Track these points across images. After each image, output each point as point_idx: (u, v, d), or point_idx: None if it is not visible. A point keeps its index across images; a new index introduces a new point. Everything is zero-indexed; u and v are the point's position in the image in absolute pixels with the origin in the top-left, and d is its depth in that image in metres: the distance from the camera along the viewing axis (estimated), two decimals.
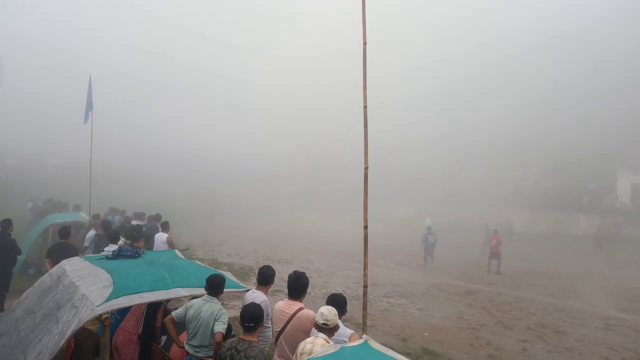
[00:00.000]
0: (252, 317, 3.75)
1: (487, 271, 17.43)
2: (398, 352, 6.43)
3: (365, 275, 4.58)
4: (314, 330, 4.10)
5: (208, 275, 4.72)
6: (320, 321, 3.76)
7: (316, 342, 3.67)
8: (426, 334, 8.93)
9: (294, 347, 4.23)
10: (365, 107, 4.65)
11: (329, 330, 3.74)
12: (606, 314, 11.89)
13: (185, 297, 4.90)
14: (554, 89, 40.26)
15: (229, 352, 3.67)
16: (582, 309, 12.23)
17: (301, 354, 3.66)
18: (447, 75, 49.07)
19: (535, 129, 38.09)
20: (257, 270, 5.47)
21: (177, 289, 4.77)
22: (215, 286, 4.57)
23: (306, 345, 3.71)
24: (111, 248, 6.71)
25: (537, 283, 15.86)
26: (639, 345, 9.09)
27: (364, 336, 3.48)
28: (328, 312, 3.76)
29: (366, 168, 4.62)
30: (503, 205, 31.84)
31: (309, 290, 10.28)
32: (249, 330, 3.72)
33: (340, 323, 3.99)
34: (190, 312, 4.50)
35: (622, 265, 19.85)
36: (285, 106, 57.37)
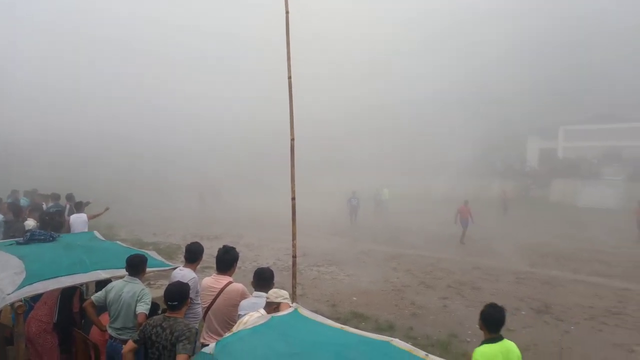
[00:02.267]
0: (175, 295, 3.67)
1: (461, 242, 17.13)
2: (328, 317, 6.63)
3: (294, 246, 4.67)
4: (245, 304, 4.12)
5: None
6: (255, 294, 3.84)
7: (254, 315, 3.70)
8: (355, 299, 9.28)
9: (224, 321, 4.24)
10: (289, 77, 4.63)
11: (269, 306, 3.77)
12: (517, 269, 12.97)
13: (106, 279, 4.73)
14: (475, 62, 42.19)
15: (153, 329, 3.59)
16: (497, 266, 13.25)
17: (239, 324, 3.68)
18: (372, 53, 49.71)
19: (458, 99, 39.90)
20: (184, 248, 5.36)
21: (97, 271, 4.60)
22: (135, 266, 4.43)
23: (245, 317, 3.73)
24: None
25: (457, 244, 16.93)
26: (545, 295, 10.04)
27: (294, 305, 3.56)
28: (272, 291, 3.84)
29: (292, 140, 4.65)
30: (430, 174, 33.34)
31: (239, 264, 10.22)
32: (173, 308, 3.65)
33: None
34: (111, 295, 4.33)
35: (531, 224, 21.63)
36: (210, 74, 55.46)
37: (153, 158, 44.89)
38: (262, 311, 3.73)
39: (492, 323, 3.66)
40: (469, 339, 7.23)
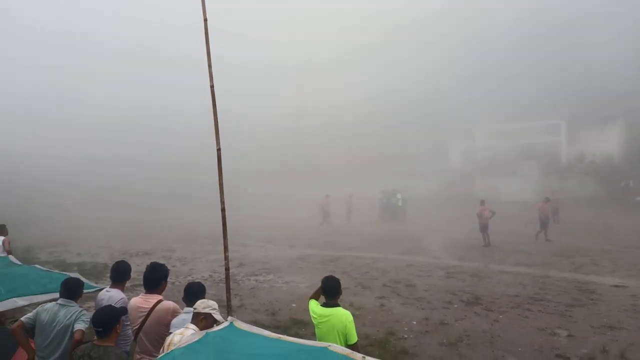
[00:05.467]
0: (101, 320, 3.43)
1: (484, 246, 16.41)
2: (267, 326, 6.53)
3: (226, 258, 4.53)
4: (176, 322, 3.95)
5: (54, 280, 4.34)
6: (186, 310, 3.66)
7: (185, 333, 3.54)
8: (294, 305, 9.22)
9: (156, 342, 4.04)
10: (212, 86, 4.52)
11: (195, 316, 3.62)
12: (447, 263, 13.54)
13: (24, 306, 4.39)
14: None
15: (80, 359, 3.34)
16: (428, 262, 13.75)
17: (169, 345, 3.50)
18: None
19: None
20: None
21: (14, 299, 4.34)
22: (72, 289, 4.21)
23: (175, 336, 3.56)
24: None
25: (392, 244, 17.39)
26: (474, 287, 10.53)
27: (229, 318, 3.46)
28: (199, 302, 3.67)
29: (218, 150, 4.54)
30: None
31: (172, 280, 9.81)
32: (101, 335, 3.41)
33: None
34: (43, 317, 4.01)
35: (459, 221, 22.66)
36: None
37: (76, 173, 42.47)
38: (192, 326, 3.57)
39: (328, 291, 4.31)
40: (406, 336, 7.41)
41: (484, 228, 16.74)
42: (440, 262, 13.89)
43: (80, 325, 3.96)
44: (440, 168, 36.69)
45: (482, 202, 17.45)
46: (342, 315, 4.17)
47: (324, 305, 4.34)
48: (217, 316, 3.67)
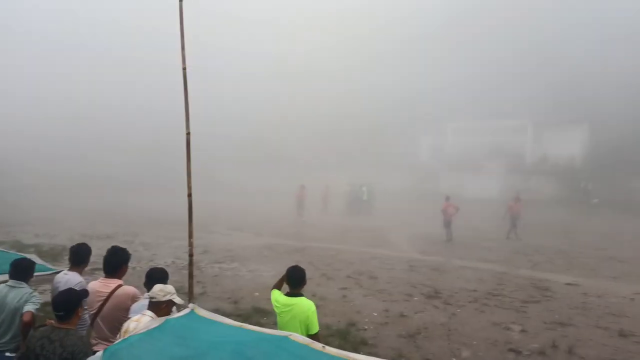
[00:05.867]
0: (62, 304, 3.34)
1: (445, 240, 16.79)
2: (229, 314, 6.50)
3: (190, 244, 4.49)
4: (136, 307, 3.90)
5: (7, 260, 4.17)
6: (146, 295, 3.60)
7: (141, 319, 3.50)
8: (257, 294, 9.24)
9: (114, 327, 3.98)
10: (184, 68, 4.45)
11: (155, 306, 3.56)
12: (410, 257, 13.81)
13: None
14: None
15: (39, 342, 3.23)
16: (392, 255, 13.98)
17: (125, 332, 3.46)
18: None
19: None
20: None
21: None
22: (22, 270, 4.11)
23: (130, 323, 3.51)
24: None
25: (358, 236, 17.58)
26: (435, 281, 10.79)
27: (190, 305, 3.44)
28: (156, 287, 3.60)
29: (188, 134, 4.48)
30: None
31: (134, 265, 9.63)
32: (62, 319, 3.33)
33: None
34: None
35: (425, 215, 23.03)
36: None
37: (36, 152, 40.97)
38: (150, 313, 3.53)
39: (293, 280, 4.35)
40: (366, 327, 7.54)
41: (447, 223, 17.13)
42: (403, 255, 14.15)
43: (29, 307, 3.86)
44: (411, 163, 37.23)
45: (447, 198, 17.82)
46: (305, 305, 4.22)
47: (288, 294, 4.37)
48: (177, 299, 3.64)
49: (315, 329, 4.20)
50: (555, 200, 28.51)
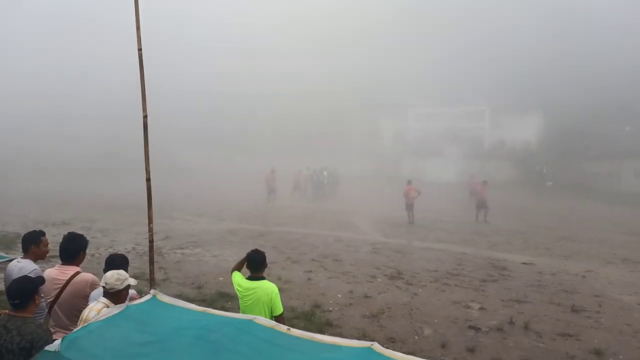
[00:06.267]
0: (18, 292, 3.18)
1: (408, 223, 17.08)
2: (192, 300, 6.45)
3: (150, 230, 4.40)
4: (94, 294, 3.79)
5: None
6: (102, 284, 3.47)
7: (94, 307, 3.40)
8: (221, 279, 9.16)
9: (73, 315, 3.85)
10: (139, 49, 4.30)
11: (112, 295, 3.45)
12: (374, 240, 14.01)
13: None
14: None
15: None
16: (356, 238, 14.14)
17: (84, 320, 3.35)
18: None
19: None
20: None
21: None
22: None
23: (91, 312, 3.40)
24: None
25: (322, 220, 17.67)
26: (397, 262, 10.99)
27: (152, 291, 3.37)
28: (110, 276, 3.46)
29: (145, 117, 4.36)
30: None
31: (92, 252, 9.42)
32: (17, 307, 3.18)
33: None
34: None
35: (389, 198, 23.40)
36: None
37: None
38: (104, 300, 3.43)
39: (254, 264, 4.45)
40: (331, 308, 7.62)
41: (409, 207, 17.44)
42: (366, 238, 14.34)
43: None
44: (373, 148, 37.62)
45: (409, 182, 18.12)
46: (267, 287, 4.32)
47: (250, 278, 4.44)
48: (132, 281, 3.56)
49: (279, 310, 4.32)
50: (511, 184, 29.51)
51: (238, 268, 4.71)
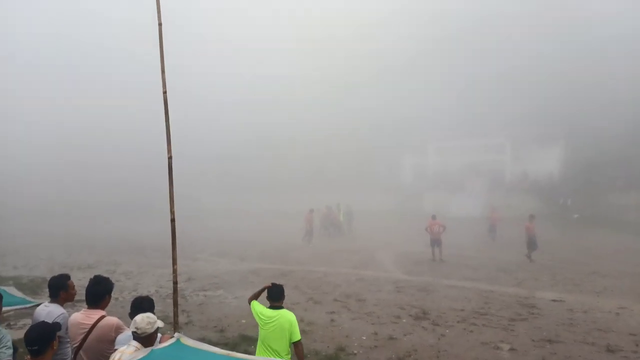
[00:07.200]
0: (36, 339, 3.20)
1: (432, 260, 16.82)
2: (215, 343, 6.39)
3: (174, 271, 4.42)
4: (120, 338, 3.79)
5: None
6: (132, 329, 3.47)
7: (126, 351, 3.39)
8: (243, 321, 9.08)
9: None
10: (164, 92, 4.45)
11: (144, 339, 3.44)
12: (396, 278, 13.76)
13: None
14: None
15: None
16: (379, 276, 13.92)
17: None
18: None
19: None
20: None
21: None
22: None
23: (115, 355, 3.41)
24: None
25: (343, 257, 17.50)
26: (422, 301, 10.75)
27: (176, 334, 3.37)
28: (141, 320, 3.46)
29: (170, 157, 4.46)
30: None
31: (116, 295, 9.45)
32: (35, 354, 3.21)
33: None
34: None
35: (411, 235, 23.09)
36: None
37: (16, 180, 40.13)
38: (135, 343, 3.42)
39: (273, 295, 4.97)
40: (355, 351, 7.44)
41: (434, 242, 17.08)
42: (389, 275, 14.10)
43: (3, 355, 3.69)
44: (393, 184, 37.50)
45: (434, 217, 17.86)
46: (287, 315, 4.84)
47: (271, 307, 4.93)
48: (160, 323, 3.54)
49: (298, 336, 4.81)
50: (536, 217, 28.84)
51: (255, 297, 5.11)
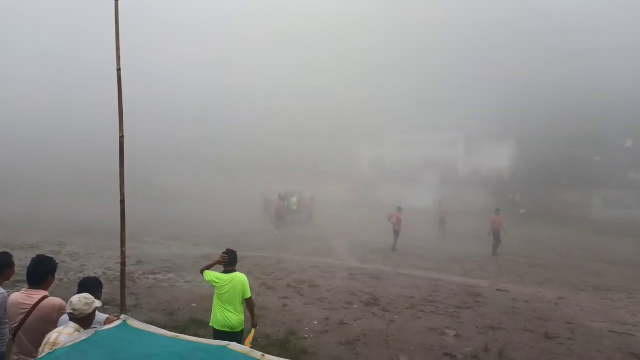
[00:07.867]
0: None
1: (393, 250, 17.00)
2: (164, 326, 6.26)
3: (122, 253, 4.29)
4: (63, 319, 3.66)
5: None
6: (68, 310, 3.34)
7: (64, 331, 3.26)
8: (194, 305, 8.98)
9: (38, 341, 3.69)
10: (118, 69, 4.29)
11: (81, 320, 3.32)
12: (350, 265, 13.97)
13: None
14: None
15: None
16: (333, 264, 14.08)
17: (45, 344, 3.22)
18: None
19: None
20: None
21: None
22: None
23: (52, 335, 3.27)
24: None
25: (298, 245, 17.56)
26: (373, 288, 10.96)
27: (122, 316, 3.28)
28: (77, 301, 3.32)
29: (122, 137, 4.31)
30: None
31: (61, 276, 9.13)
32: None
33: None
34: None
35: (368, 224, 23.44)
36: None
37: None
38: (73, 324, 3.30)
39: (230, 260, 5.64)
40: (306, 335, 7.51)
41: (396, 232, 17.34)
42: (343, 263, 14.29)
43: None
44: (351, 173, 37.86)
45: (399, 209, 17.98)
46: (241, 277, 5.53)
47: (225, 272, 5.59)
48: (99, 303, 3.44)
49: (249, 293, 5.53)
50: (484, 211, 29.90)
51: (208, 269, 5.67)
